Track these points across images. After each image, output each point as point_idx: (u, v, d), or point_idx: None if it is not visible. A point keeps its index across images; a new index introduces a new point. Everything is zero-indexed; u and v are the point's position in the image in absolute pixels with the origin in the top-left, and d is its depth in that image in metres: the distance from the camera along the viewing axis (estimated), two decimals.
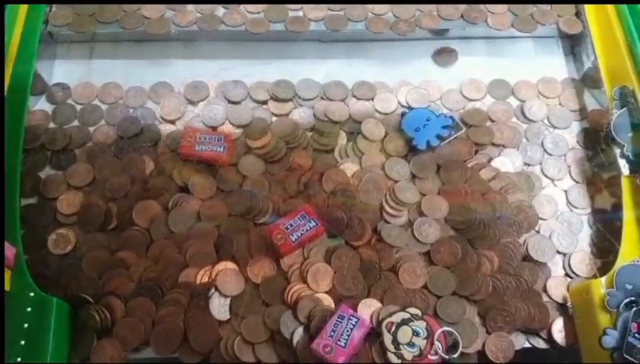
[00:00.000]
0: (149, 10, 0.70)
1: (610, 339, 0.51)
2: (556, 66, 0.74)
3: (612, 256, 0.57)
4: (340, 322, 0.53)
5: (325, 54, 0.73)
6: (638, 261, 0.55)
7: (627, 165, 0.60)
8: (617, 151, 0.61)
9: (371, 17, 0.72)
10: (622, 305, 0.52)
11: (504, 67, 0.73)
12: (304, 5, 0.71)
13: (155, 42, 0.71)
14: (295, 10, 0.71)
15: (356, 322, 0.54)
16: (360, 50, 0.73)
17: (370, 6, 0.72)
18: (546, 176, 0.66)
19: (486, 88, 0.71)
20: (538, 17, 0.73)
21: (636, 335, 0.51)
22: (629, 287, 0.53)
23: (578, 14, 0.73)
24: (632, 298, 0.52)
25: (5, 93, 0.60)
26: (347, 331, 0.53)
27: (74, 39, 0.71)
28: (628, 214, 0.58)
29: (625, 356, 0.50)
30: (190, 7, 0.71)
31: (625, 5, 0.68)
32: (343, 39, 0.73)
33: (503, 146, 0.67)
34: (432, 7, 0.73)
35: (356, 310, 0.56)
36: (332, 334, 0.52)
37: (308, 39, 0.72)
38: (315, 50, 0.73)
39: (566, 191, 0.65)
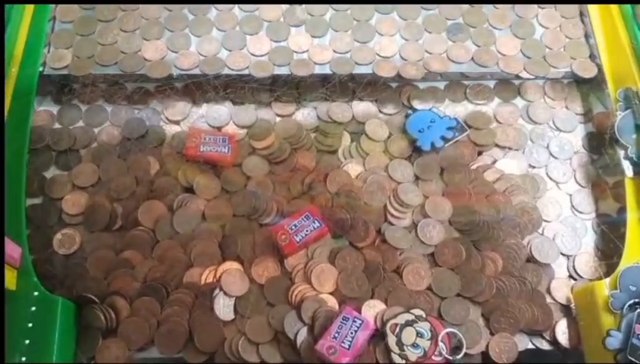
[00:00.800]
0: (150, 52, 0.67)
1: (614, 340, 0.51)
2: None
3: (616, 258, 0.57)
4: (345, 324, 0.53)
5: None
6: None
7: (631, 167, 0.60)
8: (621, 153, 0.61)
9: (378, 59, 0.68)
10: (626, 306, 0.52)
11: None
12: (310, 49, 0.69)
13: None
14: (300, 53, 0.69)
15: (360, 324, 0.54)
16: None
17: (377, 47, 0.69)
18: (551, 179, 0.66)
19: (492, 90, 0.71)
20: (551, 60, 0.70)
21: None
22: (633, 288, 0.53)
23: (592, 57, 0.70)
24: (636, 300, 0.52)
25: (5, 93, 0.60)
26: (351, 333, 0.53)
27: (72, 81, 0.68)
28: (632, 216, 0.58)
29: (630, 357, 0.50)
30: (192, 49, 0.68)
31: (629, 6, 0.68)
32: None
33: (509, 148, 0.67)
34: (441, 48, 0.70)
35: (359, 311, 0.56)
36: (336, 335, 0.53)
37: (313, 81, 0.69)
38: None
39: (570, 195, 0.65)
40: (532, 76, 0.69)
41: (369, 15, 0.71)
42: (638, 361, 0.50)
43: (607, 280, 0.54)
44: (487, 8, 0.73)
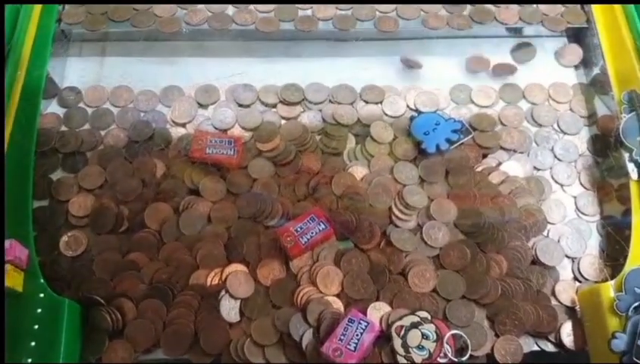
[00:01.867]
0: (161, 9, 0.72)
1: (620, 343, 0.51)
2: (565, 70, 0.74)
3: (621, 260, 0.57)
4: (350, 326, 0.53)
5: (334, 53, 0.74)
6: None
7: (636, 170, 0.60)
8: (626, 155, 0.61)
9: (380, 15, 0.73)
10: (631, 308, 0.52)
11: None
12: (313, 5, 0.73)
13: (166, 41, 0.73)
14: (304, 10, 0.73)
15: (366, 326, 0.54)
16: (370, 49, 0.74)
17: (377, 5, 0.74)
18: (556, 181, 0.66)
19: (496, 93, 0.71)
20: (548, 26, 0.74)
21: None
22: (639, 290, 0.53)
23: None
24: None
25: (5, 93, 0.60)
26: (357, 335, 0.53)
27: (86, 37, 0.72)
28: (637, 218, 0.58)
29: (635, 359, 0.50)
30: (201, 6, 0.72)
31: (633, 6, 0.68)
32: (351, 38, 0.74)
33: (513, 151, 0.67)
34: (437, 7, 0.75)
35: (365, 313, 0.56)
36: (342, 337, 0.53)
37: (317, 38, 0.74)
38: (325, 49, 0.74)
39: (575, 197, 0.65)
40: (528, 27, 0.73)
41: None
42: None
43: (613, 282, 0.54)
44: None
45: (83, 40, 0.73)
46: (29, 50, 0.65)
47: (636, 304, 0.52)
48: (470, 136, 0.66)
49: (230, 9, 0.73)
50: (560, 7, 0.75)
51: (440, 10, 0.74)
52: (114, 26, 0.71)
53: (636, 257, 0.56)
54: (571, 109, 0.70)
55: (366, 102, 0.69)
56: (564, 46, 0.75)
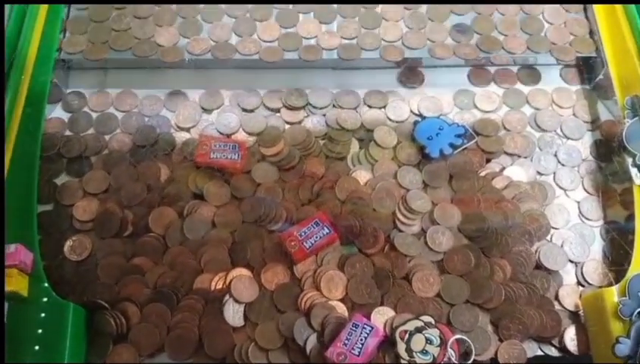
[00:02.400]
0: (163, 38, 0.70)
1: (624, 347, 0.51)
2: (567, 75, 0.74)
3: (625, 265, 0.57)
4: (355, 331, 0.53)
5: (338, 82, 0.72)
6: None
7: (639, 174, 0.60)
8: (629, 160, 0.61)
9: (385, 45, 0.71)
10: (635, 313, 0.52)
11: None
12: (318, 34, 0.72)
13: (169, 69, 0.71)
14: (308, 40, 0.71)
15: (370, 331, 0.54)
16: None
17: (382, 32, 0.72)
18: (559, 186, 0.66)
19: (499, 98, 0.71)
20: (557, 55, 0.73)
21: None
22: None
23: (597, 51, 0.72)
24: None
25: (5, 94, 0.60)
26: (361, 340, 0.53)
27: (87, 66, 0.70)
28: None
29: None
30: (204, 35, 0.71)
31: (635, 9, 0.68)
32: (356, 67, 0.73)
33: (517, 156, 0.67)
34: (444, 35, 0.73)
35: (369, 318, 0.56)
36: (346, 342, 0.53)
37: (321, 67, 0.72)
38: (329, 78, 0.73)
39: (578, 202, 0.65)
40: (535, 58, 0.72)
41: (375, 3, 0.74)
42: None
43: (616, 286, 0.54)
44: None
45: (83, 68, 0.71)
46: (34, 55, 0.65)
47: None
48: (474, 141, 0.66)
49: (233, 38, 0.71)
50: (568, 36, 0.73)
51: (447, 38, 0.72)
52: (114, 54, 0.69)
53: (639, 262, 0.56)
54: (574, 114, 0.70)
55: (370, 107, 0.69)
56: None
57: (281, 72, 0.71)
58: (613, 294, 0.54)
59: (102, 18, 0.71)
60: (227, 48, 0.70)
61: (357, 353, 0.53)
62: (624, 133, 0.62)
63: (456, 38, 0.73)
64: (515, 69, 0.73)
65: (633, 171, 0.61)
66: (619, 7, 0.70)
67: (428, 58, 0.71)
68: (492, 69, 0.73)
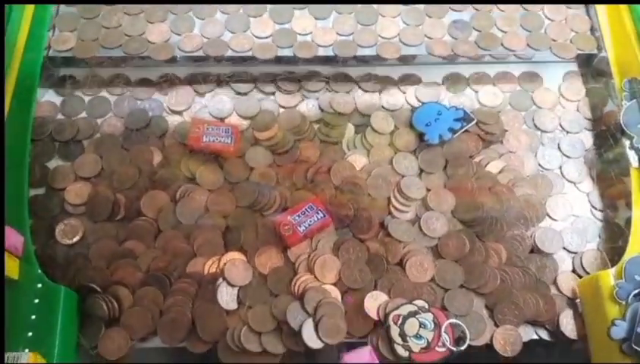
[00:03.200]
0: (154, 35, 0.68)
1: (619, 330, 0.51)
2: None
3: (621, 246, 0.56)
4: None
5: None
6: None
7: (637, 157, 0.60)
8: (627, 143, 0.61)
9: (382, 41, 0.70)
10: (631, 296, 0.52)
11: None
12: (313, 30, 0.70)
13: (159, 67, 0.69)
14: (303, 35, 0.69)
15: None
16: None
17: (379, 29, 0.71)
18: (564, 176, 0.65)
19: (503, 95, 0.70)
20: (557, 51, 0.71)
21: None
22: (638, 278, 0.53)
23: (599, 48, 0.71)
24: None
25: (5, 92, 0.60)
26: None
27: (76, 64, 0.69)
28: (638, 206, 0.58)
29: (635, 346, 0.50)
30: (196, 31, 0.69)
31: None
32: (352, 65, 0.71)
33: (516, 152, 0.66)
34: (442, 32, 0.71)
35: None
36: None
37: (316, 64, 0.70)
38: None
39: (578, 189, 0.64)
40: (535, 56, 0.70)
41: None
42: None
43: (612, 270, 0.54)
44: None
45: (72, 66, 0.70)
46: (24, 38, 0.64)
47: (636, 291, 0.52)
48: (473, 123, 0.65)
49: (226, 35, 0.69)
50: (569, 33, 0.72)
51: (445, 35, 0.71)
52: (105, 52, 0.68)
53: (636, 245, 0.55)
54: (577, 110, 0.69)
55: (364, 91, 0.68)
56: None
57: (275, 68, 0.70)
58: (609, 277, 0.54)
59: (92, 15, 0.70)
60: (220, 45, 0.68)
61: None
62: (621, 116, 0.61)
63: (454, 35, 0.71)
64: (516, 73, 0.71)
65: (631, 153, 0.60)
66: None
67: (425, 55, 0.70)
68: (492, 73, 0.71)
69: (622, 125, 0.61)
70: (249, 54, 0.68)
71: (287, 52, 0.68)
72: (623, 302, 0.52)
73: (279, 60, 0.69)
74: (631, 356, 0.50)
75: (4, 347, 0.47)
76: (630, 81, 0.63)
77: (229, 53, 0.68)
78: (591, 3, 0.72)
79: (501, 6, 0.74)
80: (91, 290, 0.55)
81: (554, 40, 0.71)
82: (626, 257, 0.54)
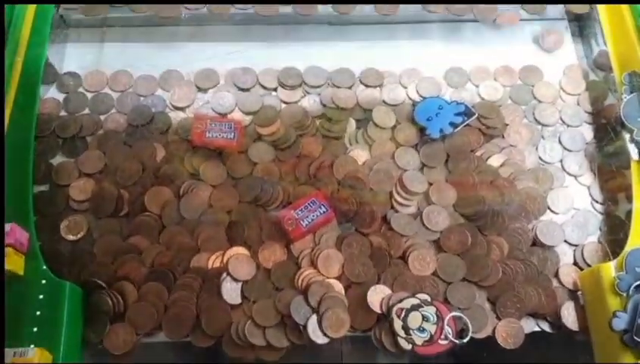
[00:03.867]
0: None
1: (620, 321, 0.51)
2: (565, 51, 0.74)
3: (622, 235, 0.57)
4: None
5: (334, 37, 0.73)
6: None
7: (637, 150, 0.60)
8: (627, 136, 0.61)
9: None
10: (632, 288, 0.52)
11: (509, 53, 0.73)
12: None
13: (165, 27, 0.72)
14: None
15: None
16: (367, 33, 0.74)
17: None
18: (565, 170, 0.65)
19: (504, 89, 0.70)
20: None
21: None
22: (639, 270, 0.53)
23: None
24: None
25: (5, 91, 0.60)
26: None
27: (85, 23, 0.71)
28: (638, 198, 0.58)
29: (636, 338, 0.50)
30: None
31: None
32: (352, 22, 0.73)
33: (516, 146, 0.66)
34: None
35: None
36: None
37: (317, 22, 0.72)
38: (324, 33, 0.73)
39: (579, 182, 0.65)
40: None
41: None
42: None
43: (614, 262, 0.54)
44: None
45: (81, 26, 0.73)
46: (27, 35, 0.64)
47: (637, 283, 0.52)
48: (474, 118, 0.65)
49: None
50: None
51: None
52: (113, 11, 0.70)
53: (637, 237, 0.56)
54: (578, 103, 0.69)
55: (366, 86, 0.69)
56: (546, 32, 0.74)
57: (277, 28, 0.72)
58: (610, 270, 0.54)
59: None
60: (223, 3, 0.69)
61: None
62: (621, 110, 0.61)
63: None
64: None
65: (631, 146, 0.60)
66: None
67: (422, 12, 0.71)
68: (492, 68, 0.72)
69: (623, 118, 0.61)
70: (251, 11, 0.69)
71: (287, 9, 0.70)
72: (624, 294, 0.52)
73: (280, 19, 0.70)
74: (632, 347, 0.51)
75: (5, 344, 0.48)
76: (630, 75, 0.63)
77: (232, 11, 0.70)
78: (593, 3, 0.72)
79: None
80: (96, 286, 0.55)
81: None
82: (627, 249, 0.55)
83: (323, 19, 0.72)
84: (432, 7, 0.72)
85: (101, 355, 0.54)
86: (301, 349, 0.55)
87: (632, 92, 0.62)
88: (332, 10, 0.71)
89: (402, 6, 0.72)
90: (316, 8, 0.70)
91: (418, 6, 0.72)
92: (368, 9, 0.71)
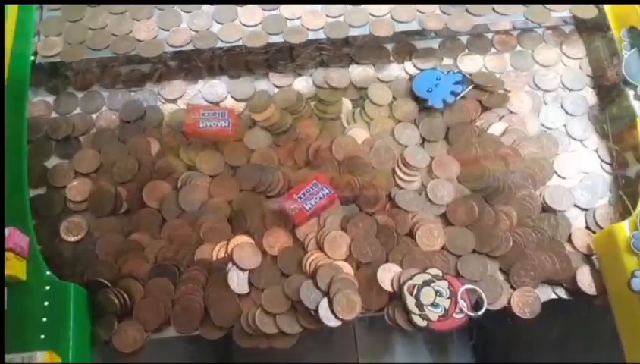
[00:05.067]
0: (141, 33, 0.66)
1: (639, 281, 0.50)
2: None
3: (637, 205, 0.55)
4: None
5: None
6: None
7: None
8: (631, 93, 0.59)
9: (373, 20, 0.66)
10: None
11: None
12: (302, 15, 0.67)
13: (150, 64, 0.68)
14: (293, 20, 0.67)
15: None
16: None
17: (369, 8, 0.67)
18: (569, 135, 0.63)
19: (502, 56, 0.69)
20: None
21: None
22: None
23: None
24: None
25: (4, 90, 0.59)
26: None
27: (66, 69, 0.67)
28: None
29: None
30: (184, 25, 0.67)
31: None
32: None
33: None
34: (434, 6, 0.68)
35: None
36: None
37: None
38: None
39: (585, 146, 0.63)
40: (532, 24, 0.68)
41: None
42: None
43: (627, 221, 0.53)
44: None
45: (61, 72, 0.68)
46: (11, 38, 0.63)
47: None
48: (472, 86, 0.64)
49: (214, 27, 0.66)
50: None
51: (436, 9, 0.67)
52: (93, 54, 0.65)
53: None
54: (580, 67, 0.67)
55: (358, 64, 0.67)
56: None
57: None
58: (624, 229, 0.53)
59: (77, 17, 0.67)
60: (209, 37, 0.65)
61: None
62: (623, 66, 0.60)
63: (446, 10, 0.67)
64: (515, 33, 0.70)
65: (635, 103, 0.59)
66: None
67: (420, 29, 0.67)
68: (489, 35, 0.70)
69: (625, 75, 0.59)
70: (240, 43, 0.65)
71: (277, 39, 0.66)
72: None
73: (270, 47, 0.67)
74: None
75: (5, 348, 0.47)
76: (629, 30, 0.62)
77: (219, 44, 0.65)
78: (599, 3, 0.68)
79: None
80: (101, 285, 0.54)
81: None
82: None
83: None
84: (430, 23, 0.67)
85: (111, 355, 0.54)
86: (314, 335, 0.54)
87: (632, 48, 0.60)
88: (323, 36, 0.66)
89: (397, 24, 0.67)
90: (307, 35, 0.66)
91: (415, 23, 0.67)
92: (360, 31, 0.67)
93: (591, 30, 0.69)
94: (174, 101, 0.65)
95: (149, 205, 0.58)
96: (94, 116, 0.65)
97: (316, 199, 0.57)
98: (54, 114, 0.65)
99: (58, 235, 0.57)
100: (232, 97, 0.65)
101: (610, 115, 0.64)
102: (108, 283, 0.54)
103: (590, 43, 0.69)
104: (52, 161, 0.62)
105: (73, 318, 0.50)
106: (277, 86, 0.66)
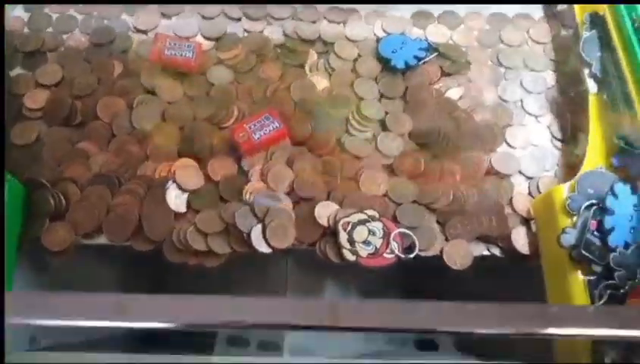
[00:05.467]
0: None
1: (569, 237, 0.50)
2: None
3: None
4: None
5: None
6: (601, 168, 0.55)
7: (595, 84, 0.60)
8: (586, 71, 0.61)
9: None
10: (583, 207, 0.51)
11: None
12: None
13: None
14: None
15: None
16: None
17: None
18: (526, 111, 0.64)
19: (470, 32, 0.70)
20: None
21: (595, 233, 0.50)
22: (591, 191, 0.52)
23: None
24: (594, 201, 0.51)
25: (4, 89, 0.60)
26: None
27: None
28: (593, 127, 0.58)
29: (584, 252, 0.49)
30: None
31: None
32: None
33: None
34: None
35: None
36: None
37: None
38: None
39: (536, 119, 0.64)
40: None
41: None
42: (592, 256, 0.49)
43: (566, 184, 0.53)
44: None
45: None
46: None
47: (588, 203, 0.51)
48: (436, 53, 0.66)
49: None
50: None
51: None
52: None
53: (591, 162, 0.55)
54: (544, 51, 0.69)
55: (329, 22, 0.69)
56: None
57: None
58: (562, 192, 0.53)
59: None
60: None
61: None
62: (581, 45, 0.61)
63: None
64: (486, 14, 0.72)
65: (589, 81, 0.60)
66: None
67: None
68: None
69: (582, 53, 0.61)
70: None
71: None
72: (575, 214, 0.51)
73: None
74: (580, 263, 0.50)
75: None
76: (591, 14, 0.63)
77: None
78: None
79: None
80: (38, 185, 0.54)
81: None
82: (580, 172, 0.54)
83: None
84: None
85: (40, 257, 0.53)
86: (245, 262, 0.54)
87: (591, 30, 0.62)
88: None
89: None
90: None
91: None
92: None
93: (559, 18, 0.71)
94: (145, 32, 0.67)
95: (102, 119, 0.59)
96: (65, 36, 0.66)
97: (266, 130, 0.58)
98: (26, 30, 0.66)
99: (8, 138, 0.58)
100: (202, 35, 0.67)
101: (566, 96, 0.65)
102: (47, 183, 0.54)
103: (556, 30, 0.71)
104: (16, 72, 0.63)
105: (7, 214, 0.50)
106: (247, 31, 0.68)
